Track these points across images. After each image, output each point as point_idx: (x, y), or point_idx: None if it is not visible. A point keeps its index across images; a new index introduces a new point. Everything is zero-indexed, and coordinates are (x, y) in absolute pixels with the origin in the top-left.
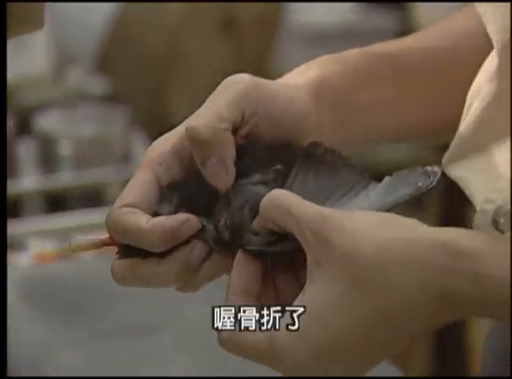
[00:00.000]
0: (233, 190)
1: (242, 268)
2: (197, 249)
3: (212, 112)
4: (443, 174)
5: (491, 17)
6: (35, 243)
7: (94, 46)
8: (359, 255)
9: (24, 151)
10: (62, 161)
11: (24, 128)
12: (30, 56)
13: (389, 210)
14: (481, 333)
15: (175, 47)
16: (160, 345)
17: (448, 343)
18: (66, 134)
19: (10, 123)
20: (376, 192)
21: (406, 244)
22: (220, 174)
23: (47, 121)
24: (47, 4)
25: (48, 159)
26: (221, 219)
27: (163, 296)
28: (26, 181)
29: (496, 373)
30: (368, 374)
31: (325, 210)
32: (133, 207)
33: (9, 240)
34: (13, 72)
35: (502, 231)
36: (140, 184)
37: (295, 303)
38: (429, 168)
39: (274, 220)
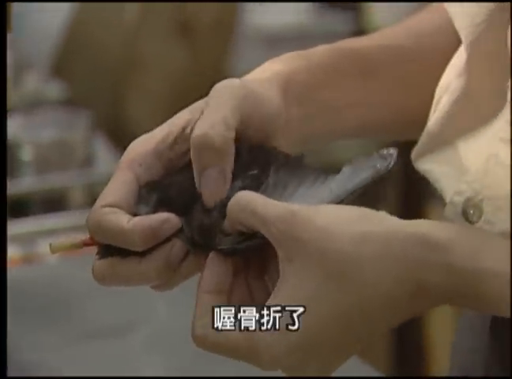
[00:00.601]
0: None
1: (213, 267)
2: (177, 247)
3: (220, 119)
4: (398, 155)
5: (459, 13)
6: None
7: (50, 50)
8: (333, 249)
9: None
10: (24, 166)
11: None
12: None
13: (350, 195)
14: (440, 330)
15: (132, 50)
16: (132, 346)
17: (407, 342)
18: (27, 139)
19: None
20: (336, 180)
21: (380, 238)
22: (219, 184)
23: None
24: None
25: (10, 165)
26: (193, 220)
27: (134, 297)
28: None
29: (470, 368)
30: (343, 373)
31: (292, 206)
32: (114, 207)
33: None
34: None
35: (472, 222)
36: (120, 184)
37: (270, 300)
38: (385, 151)
39: (241, 222)
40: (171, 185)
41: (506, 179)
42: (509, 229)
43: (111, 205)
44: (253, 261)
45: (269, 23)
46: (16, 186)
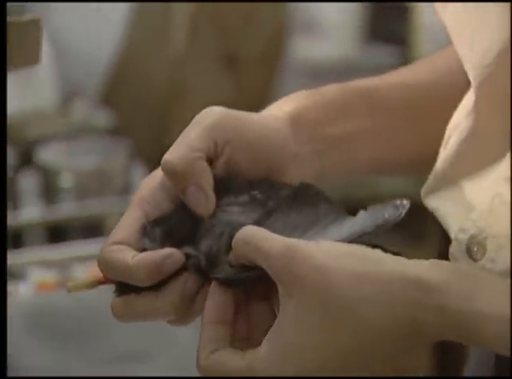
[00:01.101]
0: (211, 219)
1: (215, 297)
2: (191, 280)
3: (184, 144)
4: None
5: (469, 55)
6: (36, 273)
7: (98, 79)
8: (331, 287)
9: (25, 183)
10: (63, 192)
11: (26, 160)
12: (35, 89)
13: (355, 239)
14: None
15: (178, 82)
16: (153, 371)
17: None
18: (67, 166)
19: (12, 156)
20: (348, 224)
21: (378, 277)
22: (201, 201)
23: (48, 154)
24: (51, 37)
25: (49, 191)
26: (200, 247)
27: (157, 324)
28: (27, 212)
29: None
30: None
31: (293, 241)
32: (122, 244)
33: (10, 270)
34: (17, 105)
35: (475, 260)
36: (129, 221)
37: (270, 334)
38: (398, 201)
39: (245, 255)
40: (176, 217)
41: (509, 218)
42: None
43: (119, 242)
44: (254, 291)
45: (315, 56)
46: (55, 212)
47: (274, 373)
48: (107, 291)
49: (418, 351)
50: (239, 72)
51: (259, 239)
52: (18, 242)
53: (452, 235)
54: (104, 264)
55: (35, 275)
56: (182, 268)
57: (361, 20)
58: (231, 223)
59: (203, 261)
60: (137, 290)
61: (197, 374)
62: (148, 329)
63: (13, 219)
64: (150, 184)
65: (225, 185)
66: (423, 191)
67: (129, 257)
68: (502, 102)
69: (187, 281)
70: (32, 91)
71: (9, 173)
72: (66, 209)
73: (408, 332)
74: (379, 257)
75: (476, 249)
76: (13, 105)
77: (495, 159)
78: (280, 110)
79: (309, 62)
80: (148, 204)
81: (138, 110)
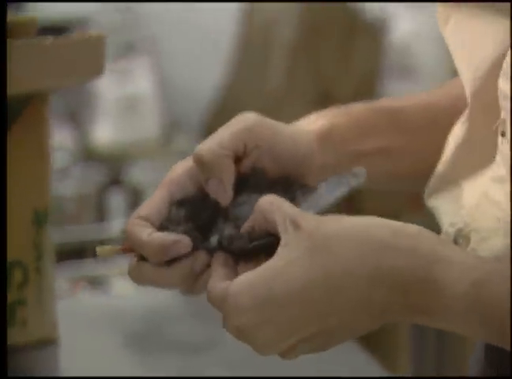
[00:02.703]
0: (229, 208)
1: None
2: (201, 258)
3: (216, 140)
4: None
5: (465, 68)
6: (119, 284)
7: (201, 112)
8: (319, 232)
9: (114, 199)
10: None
11: (116, 178)
12: (140, 119)
13: (330, 206)
14: None
15: (274, 117)
16: (207, 362)
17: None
18: (154, 184)
19: (103, 174)
20: (315, 198)
21: (355, 224)
22: (219, 193)
23: (137, 173)
24: (158, 70)
25: (136, 207)
26: (216, 230)
27: (214, 318)
28: (114, 225)
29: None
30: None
31: (304, 212)
32: (144, 219)
33: (94, 280)
34: (121, 133)
35: None
36: (155, 200)
37: (259, 267)
38: (357, 170)
39: (266, 215)
40: (197, 202)
41: (492, 214)
42: (490, 256)
43: (142, 218)
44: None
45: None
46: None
47: (240, 291)
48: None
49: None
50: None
51: (280, 201)
52: None
53: (443, 229)
54: (127, 234)
55: (119, 286)
56: (196, 248)
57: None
58: (245, 214)
59: (225, 242)
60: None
61: (244, 368)
62: (205, 324)
63: (102, 231)
64: (179, 170)
65: (248, 181)
66: (425, 193)
67: (145, 233)
68: (492, 111)
69: (197, 258)
70: (136, 121)
71: (99, 189)
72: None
73: (370, 277)
74: (368, 216)
75: (461, 241)
76: (117, 133)
77: (486, 163)
78: (310, 125)
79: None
80: (174, 187)
81: None
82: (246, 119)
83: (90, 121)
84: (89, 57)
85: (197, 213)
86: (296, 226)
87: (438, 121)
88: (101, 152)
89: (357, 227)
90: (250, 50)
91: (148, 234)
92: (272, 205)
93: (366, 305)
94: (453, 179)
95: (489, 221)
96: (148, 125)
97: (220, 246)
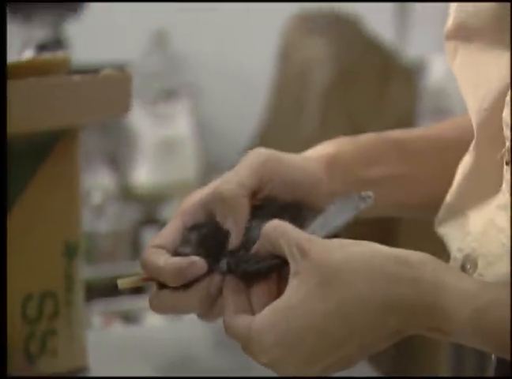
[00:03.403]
0: (246, 234)
1: (232, 280)
2: (216, 280)
3: (237, 180)
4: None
5: (472, 100)
6: (151, 318)
7: (239, 154)
8: (328, 263)
9: (148, 237)
10: None
11: (151, 217)
12: (179, 161)
13: (340, 228)
14: None
15: None
16: None
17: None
18: None
19: (139, 213)
20: (321, 221)
21: (363, 255)
22: (234, 231)
23: (172, 212)
24: (198, 114)
25: None
26: (228, 253)
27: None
28: None
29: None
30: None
31: (309, 235)
32: (160, 247)
33: (127, 314)
34: (160, 175)
35: (468, 275)
36: (169, 229)
37: (276, 302)
38: (363, 194)
39: (271, 240)
40: (209, 228)
41: (498, 240)
42: (496, 280)
43: (157, 246)
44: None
45: None
46: None
47: (263, 332)
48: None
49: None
50: None
51: (285, 227)
52: (139, 288)
53: (452, 255)
54: (143, 263)
55: (151, 319)
56: (210, 271)
57: None
58: (255, 238)
59: (228, 264)
60: (171, 287)
61: None
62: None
63: (136, 268)
64: (191, 200)
65: (260, 208)
66: (436, 221)
67: (161, 259)
68: (497, 141)
69: (212, 280)
70: (174, 162)
71: (135, 227)
72: None
73: (384, 307)
74: (371, 244)
75: (469, 266)
76: (155, 174)
77: (492, 192)
78: (319, 153)
79: None
80: (187, 216)
81: None
82: (259, 155)
83: (129, 163)
84: (116, 94)
85: (208, 238)
86: (304, 253)
87: (445, 152)
88: (139, 192)
89: (363, 257)
90: (286, 94)
91: (164, 260)
92: (276, 230)
93: (381, 328)
94: (461, 208)
95: (495, 247)
96: (185, 167)
97: (230, 269)
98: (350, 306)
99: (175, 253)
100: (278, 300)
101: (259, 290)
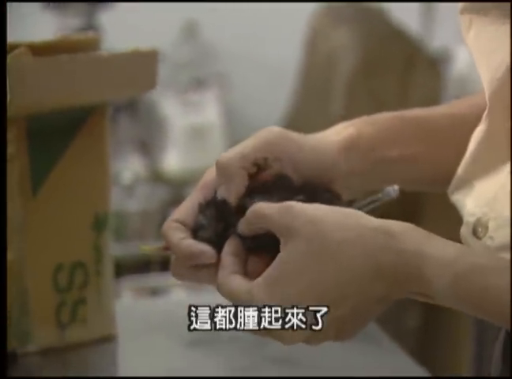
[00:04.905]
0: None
1: (233, 241)
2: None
3: (238, 151)
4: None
5: (485, 71)
6: (178, 293)
7: None
8: (318, 235)
9: None
10: None
11: (179, 198)
12: (206, 149)
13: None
14: None
15: None
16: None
17: None
18: None
19: (167, 194)
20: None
21: (352, 227)
22: (227, 198)
23: None
24: (226, 102)
25: None
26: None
27: None
28: None
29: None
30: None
31: (288, 202)
32: (179, 222)
33: (156, 290)
34: (189, 163)
35: (479, 238)
36: (189, 203)
37: (265, 273)
38: (390, 188)
39: (252, 224)
40: (221, 202)
41: (508, 204)
42: (506, 243)
43: (176, 220)
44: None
45: None
46: None
47: (266, 298)
48: None
49: None
50: None
51: (263, 208)
52: (166, 265)
53: (464, 220)
54: (163, 235)
55: (178, 295)
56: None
57: None
58: None
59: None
60: None
61: None
62: None
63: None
64: (211, 175)
65: (274, 186)
66: (449, 190)
67: (176, 236)
68: (509, 109)
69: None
70: (203, 149)
71: (163, 207)
72: None
73: (371, 275)
74: (359, 213)
75: (480, 229)
76: (184, 160)
77: (504, 159)
78: (337, 134)
79: None
80: (206, 190)
81: None
82: (268, 133)
83: (160, 148)
84: (143, 70)
85: (222, 211)
86: (289, 229)
87: (462, 129)
88: (167, 176)
89: (350, 227)
90: (312, 82)
91: (178, 238)
92: (254, 214)
93: (369, 293)
94: (474, 175)
95: (505, 210)
96: (213, 153)
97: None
98: (342, 276)
99: (193, 230)
100: (270, 270)
101: (256, 261)
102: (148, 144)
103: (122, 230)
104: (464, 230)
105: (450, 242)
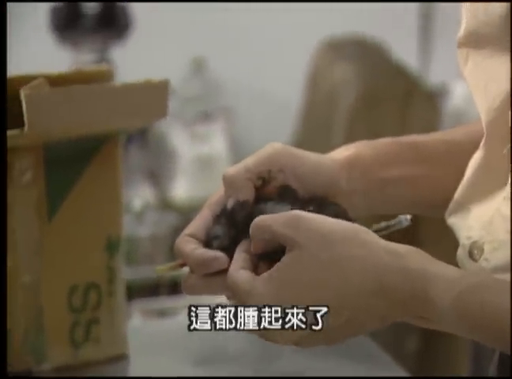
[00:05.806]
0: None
1: (246, 243)
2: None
3: (243, 165)
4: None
5: (482, 101)
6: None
7: None
8: (323, 246)
9: None
10: None
11: (188, 223)
12: (213, 179)
13: None
14: None
15: None
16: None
17: None
18: None
19: (176, 219)
20: None
21: (363, 244)
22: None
23: None
24: (232, 134)
25: None
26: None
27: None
28: None
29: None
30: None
31: (294, 211)
32: (191, 236)
33: (165, 312)
34: (195, 192)
35: (475, 260)
36: (200, 219)
37: (267, 274)
38: (402, 217)
39: (257, 237)
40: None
41: (503, 227)
42: (500, 264)
43: (188, 235)
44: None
45: None
46: None
47: (265, 293)
48: None
49: None
50: None
51: (266, 220)
52: (176, 288)
53: (460, 243)
54: (175, 250)
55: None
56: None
57: None
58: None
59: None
60: None
61: None
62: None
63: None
64: (217, 194)
65: (282, 194)
66: (446, 213)
67: (188, 247)
68: (506, 138)
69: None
70: (210, 179)
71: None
72: None
73: (374, 293)
74: (365, 230)
75: (476, 251)
76: (192, 189)
77: (501, 186)
78: (340, 154)
79: None
80: (215, 206)
81: None
82: (271, 148)
83: (169, 178)
84: (155, 100)
85: (233, 224)
86: (294, 241)
87: (458, 155)
88: (176, 204)
89: (356, 244)
90: (315, 116)
91: (191, 249)
92: (258, 227)
93: (369, 310)
94: (470, 200)
95: (500, 234)
96: (219, 183)
97: None
98: (343, 286)
99: (205, 240)
100: (273, 271)
101: (266, 268)
102: (158, 174)
103: (132, 255)
104: (461, 253)
105: (451, 266)
